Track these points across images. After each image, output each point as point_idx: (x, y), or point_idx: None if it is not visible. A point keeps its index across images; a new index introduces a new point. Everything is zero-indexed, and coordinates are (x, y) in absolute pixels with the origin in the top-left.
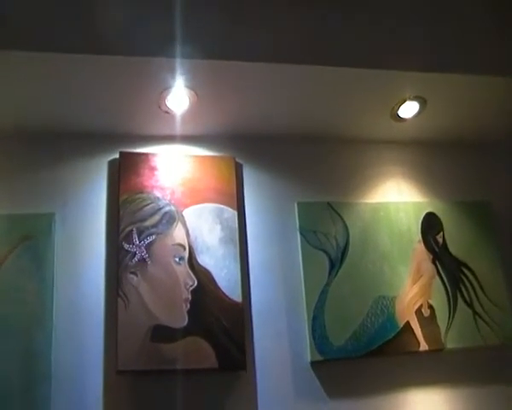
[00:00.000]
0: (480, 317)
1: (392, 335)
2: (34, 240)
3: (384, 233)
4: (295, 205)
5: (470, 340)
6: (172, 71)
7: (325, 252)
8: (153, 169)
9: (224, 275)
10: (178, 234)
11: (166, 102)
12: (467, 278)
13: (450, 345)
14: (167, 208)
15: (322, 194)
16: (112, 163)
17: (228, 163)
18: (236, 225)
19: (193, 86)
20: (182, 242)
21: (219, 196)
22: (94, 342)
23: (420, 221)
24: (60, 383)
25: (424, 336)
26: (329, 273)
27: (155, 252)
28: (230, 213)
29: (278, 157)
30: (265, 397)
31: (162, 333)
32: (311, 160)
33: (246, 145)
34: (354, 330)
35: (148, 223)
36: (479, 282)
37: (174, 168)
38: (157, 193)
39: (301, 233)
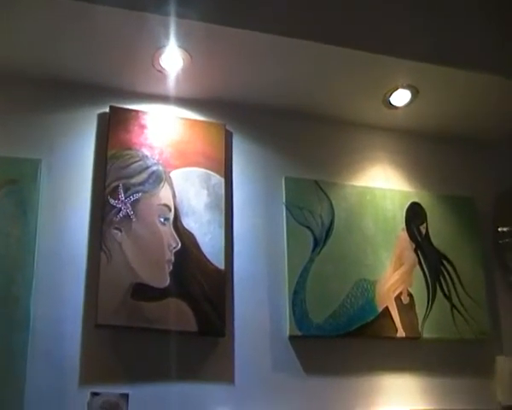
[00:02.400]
0: (457, 310)
1: (371, 318)
2: (19, 185)
3: (369, 217)
4: (283, 179)
5: (446, 331)
6: (167, 30)
7: (310, 229)
8: (142, 127)
9: (208, 240)
10: (164, 194)
11: (160, 61)
12: (447, 270)
13: (426, 334)
14: (155, 168)
15: (310, 171)
16: (101, 116)
17: (218, 129)
18: (223, 192)
19: (187, 47)
20: (167, 202)
21: (207, 161)
22: (74, 294)
23: (405, 210)
24: (37, 332)
25: (402, 323)
26: (313, 251)
27: (140, 210)
28: (217, 180)
29: (269, 129)
30: (242, 366)
31: (143, 291)
32: (301, 136)
33: (237, 114)
34: (334, 310)
35: (134, 180)
36: (458, 276)
37: (164, 128)
38: (145, 151)
39: (287, 208)
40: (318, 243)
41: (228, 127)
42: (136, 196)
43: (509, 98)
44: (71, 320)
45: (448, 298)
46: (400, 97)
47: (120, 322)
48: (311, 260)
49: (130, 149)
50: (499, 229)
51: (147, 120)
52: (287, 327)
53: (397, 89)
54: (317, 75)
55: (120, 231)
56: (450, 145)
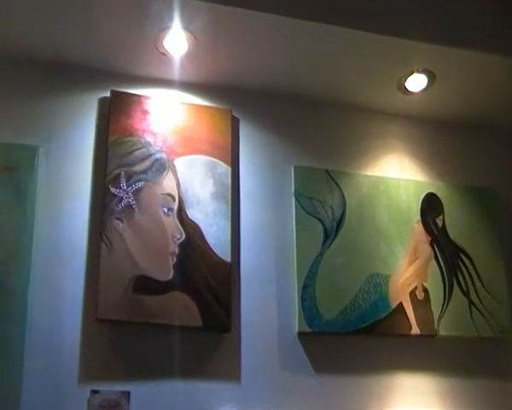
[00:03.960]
0: (476, 307)
1: (384, 315)
2: (15, 172)
3: (382, 209)
4: (292, 168)
5: (464, 329)
6: (171, 11)
7: (320, 220)
8: (145, 112)
9: (214, 232)
10: (168, 184)
11: (164, 44)
12: (464, 265)
13: (442, 332)
14: (158, 155)
15: (321, 160)
16: (102, 101)
17: (224, 115)
18: (229, 182)
19: (192, 29)
20: (171, 192)
21: (213, 148)
22: (73, 287)
23: (420, 201)
24: (35, 326)
25: (417, 320)
26: (323, 243)
27: (143, 199)
28: (224, 169)
29: (277, 116)
30: (249, 363)
31: (146, 284)
32: (311, 123)
33: (244, 99)
34: (345, 306)
35: (137, 168)
36: (477, 271)
37: (167, 114)
38: (148, 138)
39: (296, 198)
40: (329, 236)
41: (234, 113)
42: (139, 184)
43: None
44: (70, 314)
45: (466, 294)
46: (416, 82)
47: (122, 316)
48: (322, 253)
49: (132, 135)
50: None
51: (150, 105)
52: (295, 323)
53: (412, 73)
54: (329, 59)
55: (122, 221)
56: (469, 133)
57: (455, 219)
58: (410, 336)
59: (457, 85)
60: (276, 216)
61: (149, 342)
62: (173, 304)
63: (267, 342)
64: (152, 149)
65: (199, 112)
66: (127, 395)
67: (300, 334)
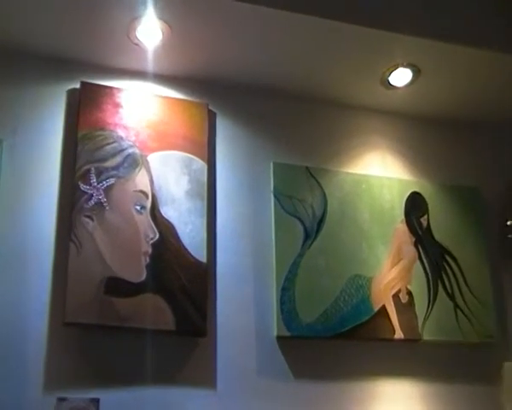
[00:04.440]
0: (461, 310)
1: (366, 318)
2: None
3: (365, 208)
4: (271, 165)
5: (449, 334)
6: None
7: (300, 220)
8: (117, 105)
9: (189, 231)
10: (141, 180)
11: (136, 33)
12: (450, 267)
13: (426, 337)
14: (130, 151)
15: (301, 157)
16: (71, 93)
17: (200, 109)
18: (205, 179)
19: (166, 18)
20: (144, 189)
21: (189, 144)
22: (39, 289)
23: (404, 200)
24: None
25: (400, 324)
26: (303, 243)
27: (114, 197)
28: (200, 165)
29: (256, 111)
30: (225, 368)
31: (116, 286)
32: (292, 119)
33: (221, 93)
34: (326, 309)
35: (108, 164)
36: (462, 273)
37: (140, 107)
38: (120, 132)
39: (275, 196)
40: (309, 236)
41: (211, 107)
42: (110, 181)
43: None
44: (36, 318)
45: (451, 297)
46: (400, 77)
47: (91, 320)
48: (302, 254)
49: (102, 129)
50: (508, 222)
51: (122, 97)
52: (274, 327)
53: (397, 68)
54: (309, 52)
55: (92, 219)
56: (455, 130)
57: (440, 219)
58: (393, 340)
59: (443, 81)
60: (254, 215)
61: (120, 347)
62: (146, 307)
63: (244, 346)
64: (124, 144)
65: (174, 105)
66: (96, 402)
67: (279, 338)
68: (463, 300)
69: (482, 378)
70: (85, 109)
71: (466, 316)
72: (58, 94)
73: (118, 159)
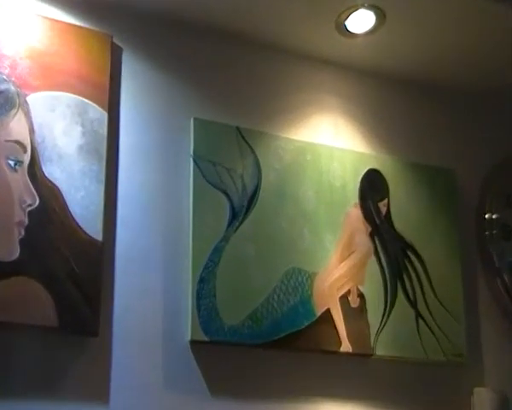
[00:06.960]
0: (424, 321)
1: (306, 324)
2: None
3: (309, 185)
4: (191, 121)
5: (408, 349)
6: None
7: (226, 194)
8: None
9: (81, 199)
10: (17, 127)
11: None
12: (412, 266)
13: (380, 351)
14: (3, 86)
15: (231, 114)
16: None
17: (101, 41)
18: (105, 132)
19: None
20: (21, 139)
21: (84, 85)
22: None
23: (359, 178)
24: None
25: (348, 334)
26: (229, 224)
27: None
28: (98, 114)
29: (174, 51)
30: (122, 378)
31: None
32: (221, 64)
33: (130, 24)
34: (255, 309)
35: None
36: (428, 274)
37: (19, 31)
38: None
39: (195, 161)
40: (237, 215)
41: (116, 40)
42: None
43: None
44: None
45: (412, 304)
46: (360, 21)
47: None
48: (226, 238)
49: None
50: (486, 216)
51: None
52: (187, 328)
53: (356, 9)
54: None
55: None
56: (428, 94)
57: (403, 206)
58: (338, 353)
59: (413, 29)
60: (168, 184)
61: None
62: (18, 294)
63: (148, 351)
64: None
65: (66, 32)
66: None
67: (193, 343)
68: (427, 308)
69: (447, 405)
70: None
71: (430, 329)
72: None
73: None
